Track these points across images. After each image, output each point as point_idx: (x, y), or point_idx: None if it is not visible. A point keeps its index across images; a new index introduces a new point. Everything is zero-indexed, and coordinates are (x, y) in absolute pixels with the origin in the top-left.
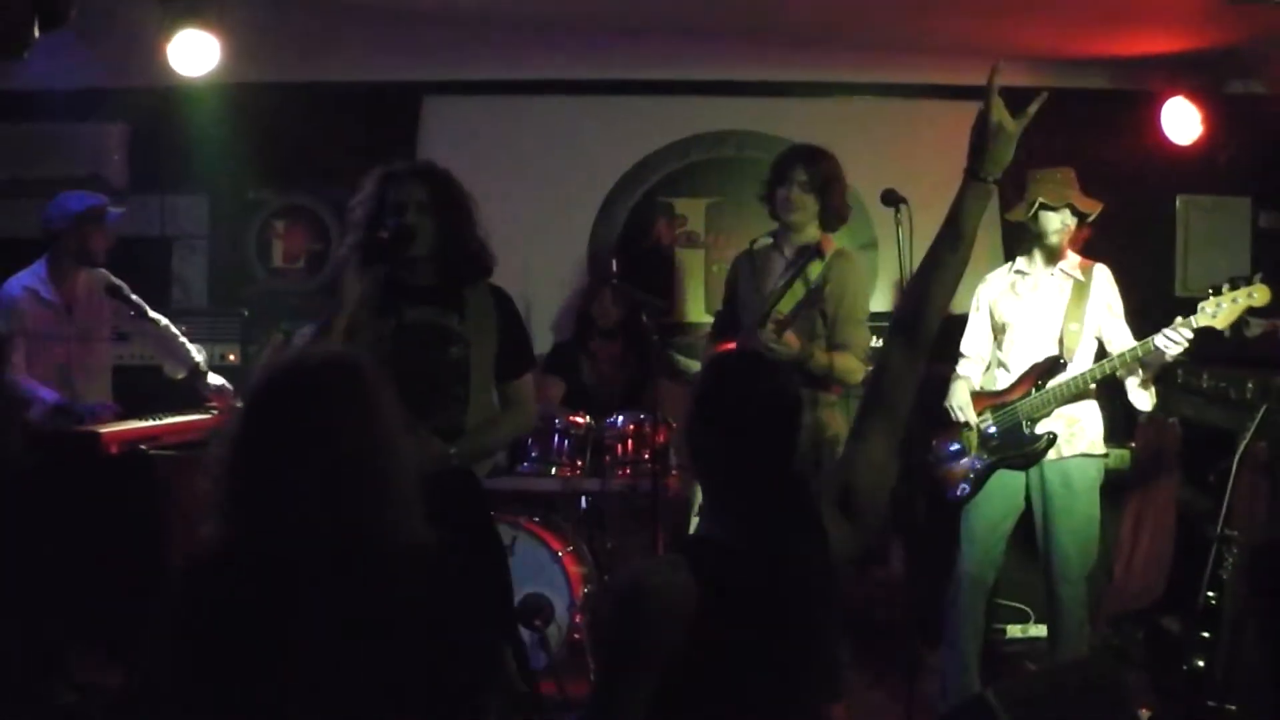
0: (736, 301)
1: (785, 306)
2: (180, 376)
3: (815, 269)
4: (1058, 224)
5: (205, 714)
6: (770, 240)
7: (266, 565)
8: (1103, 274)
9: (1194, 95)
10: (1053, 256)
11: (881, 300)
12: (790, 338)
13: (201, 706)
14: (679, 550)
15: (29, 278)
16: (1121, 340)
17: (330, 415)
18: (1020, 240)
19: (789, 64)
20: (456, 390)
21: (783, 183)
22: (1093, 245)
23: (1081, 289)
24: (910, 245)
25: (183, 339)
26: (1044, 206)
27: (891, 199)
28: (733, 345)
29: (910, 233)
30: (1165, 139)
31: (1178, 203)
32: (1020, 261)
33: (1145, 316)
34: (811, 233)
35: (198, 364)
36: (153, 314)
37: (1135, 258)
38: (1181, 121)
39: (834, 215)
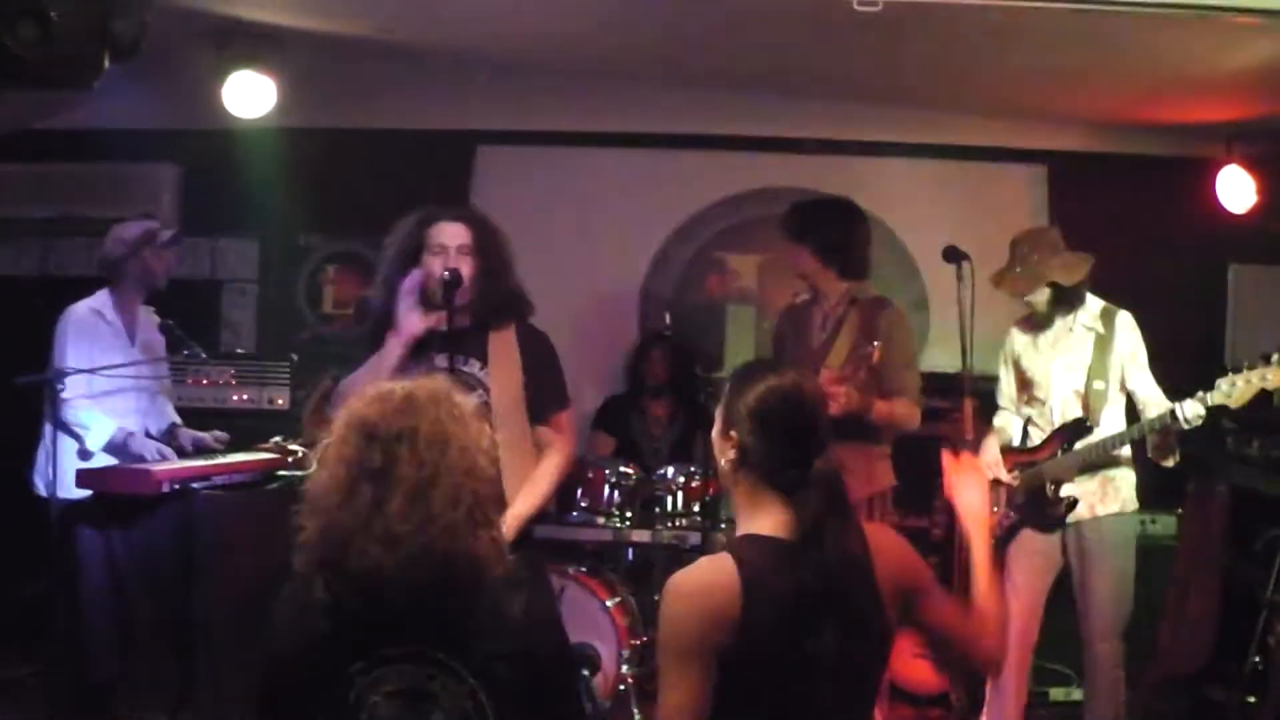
0: (782, 356)
1: (835, 361)
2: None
3: (856, 320)
4: (1041, 302)
5: None
6: (809, 295)
7: (361, 607)
8: (1125, 322)
9: (1249, 164)
10: (1048, 321)
11: (939, 358)
12: (849, 392)
13: None
14: (728, 549)
15: (93, 301)
16: (1146, 391)
17: (433, 449)
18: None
19: (845, 122)
20: None
21: (794, 246)
22: (1142, 311)
23: (1104, 342)
24: (972, 301)
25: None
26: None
27: (954, 255)
28: None
29: (973, 289)
30: (1219, 207)
31: (1230, 271)
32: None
33: (1191, 384)
34: (841, 286)
35: (175, 422)
36: (203, 355)
37: (1184, 325)
38: (1236, 190)
39: (854, 269)
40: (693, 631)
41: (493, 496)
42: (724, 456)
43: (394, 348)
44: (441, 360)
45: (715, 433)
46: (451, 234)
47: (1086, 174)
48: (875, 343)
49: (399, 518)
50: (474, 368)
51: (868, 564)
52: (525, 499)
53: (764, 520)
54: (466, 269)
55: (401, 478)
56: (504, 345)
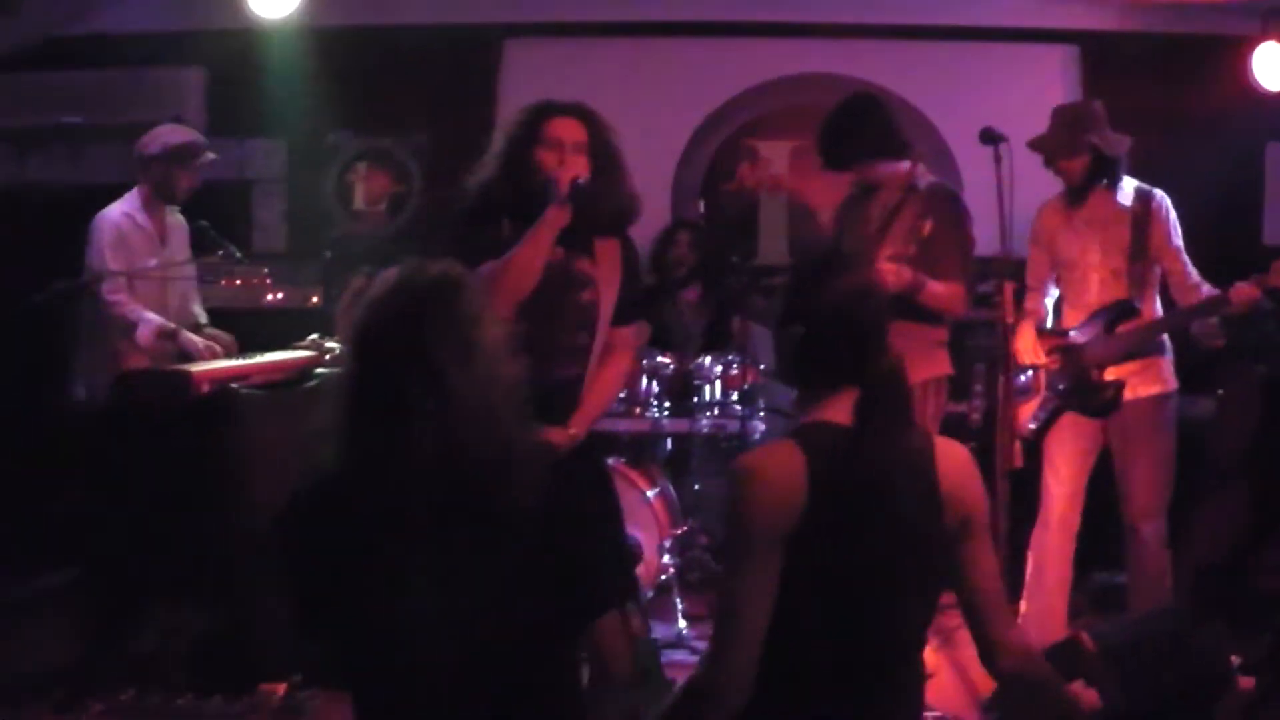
0: (842, 244)
1: (891, 248)
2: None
3: (914, 208)
4: (1058, 172)
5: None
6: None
7: (376, 506)
8: (1161, 201)
9: None
10: (1082, 195)
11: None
12: (900, 269)
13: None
14: (795, 434)
15: (124, 205)
16: (1183, 270)
17: (431, 345)
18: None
19: (873, 6)
20: (581, 337)
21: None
22: (1178, 192)
23: (1141, 221)
24: (1010, 184)
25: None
26: (1049, 158)
27: (991, 137)
28: None
29: (1011, 171)
30: (1256, 85)
31: (1267, 150)
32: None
33: (1230, 265)
34: (899, 170)
35: (200, 320)
36: (239, 256)
37: (1221, 205)
38: (1272, 67)
39: (890, 149)
40: (759, 515)
41: (515, 387)
42: (781, 350)
43: (554, 219)
44: (558, 254)
45: (774, 334)
46: (568, 129)
47: (1120, 54)
48: (928, 219)
49: (423, 449)
50: (585, 264)
51: (931, 469)
52: (596, 400)
53: (830, 408)
54: (581, 167)
55: (425, 412)
56: (608, 248)
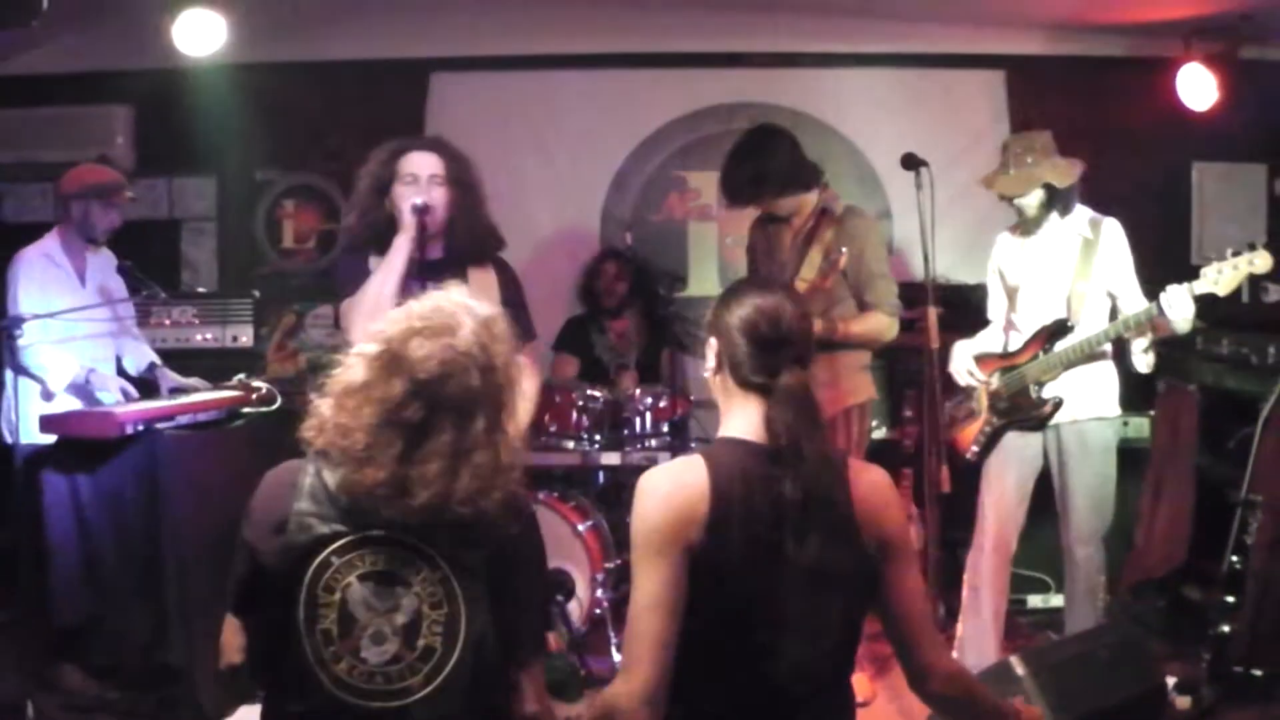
0: (756, 269)
1: (808, 274)
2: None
3: (827, 234)
4: (1033, 205)
5: None
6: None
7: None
8: (1112, 229)
9: (1210, 61)
10: (1036, 225)
11: (902, 269)
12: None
13: None
14: (702, 451)
15: (42, 245)
16: (1131, 298)
17: (484, 401)
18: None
19: (800, 35)
20: None
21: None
22: (1107, 211)
23: (1090, 246)
24: (932, 209)
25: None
26: (1003, 198)
27: (912, 163)
28: None
29: (931, 197)
30: (1181, 105)
31: (1193, 169)
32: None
33: (1159, 283)
34: (808, 200)
35: (154, 362)
36: (163, 296)
37: (1150, 224)
38: (1197, 88)
39: (798, 181)
40: (661, 527)
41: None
42: (707, 364)
43: (403, 245)
44: (429, 287)
45: (707, 344)
46: (423, 164)
47: (1045, 77)
48: (843, 249)
49: (425, 480)
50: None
51: (845, 490)
52: None
53: (739, 423)
54: (439, 199)
55: (440, 445)
56: (482, 275)
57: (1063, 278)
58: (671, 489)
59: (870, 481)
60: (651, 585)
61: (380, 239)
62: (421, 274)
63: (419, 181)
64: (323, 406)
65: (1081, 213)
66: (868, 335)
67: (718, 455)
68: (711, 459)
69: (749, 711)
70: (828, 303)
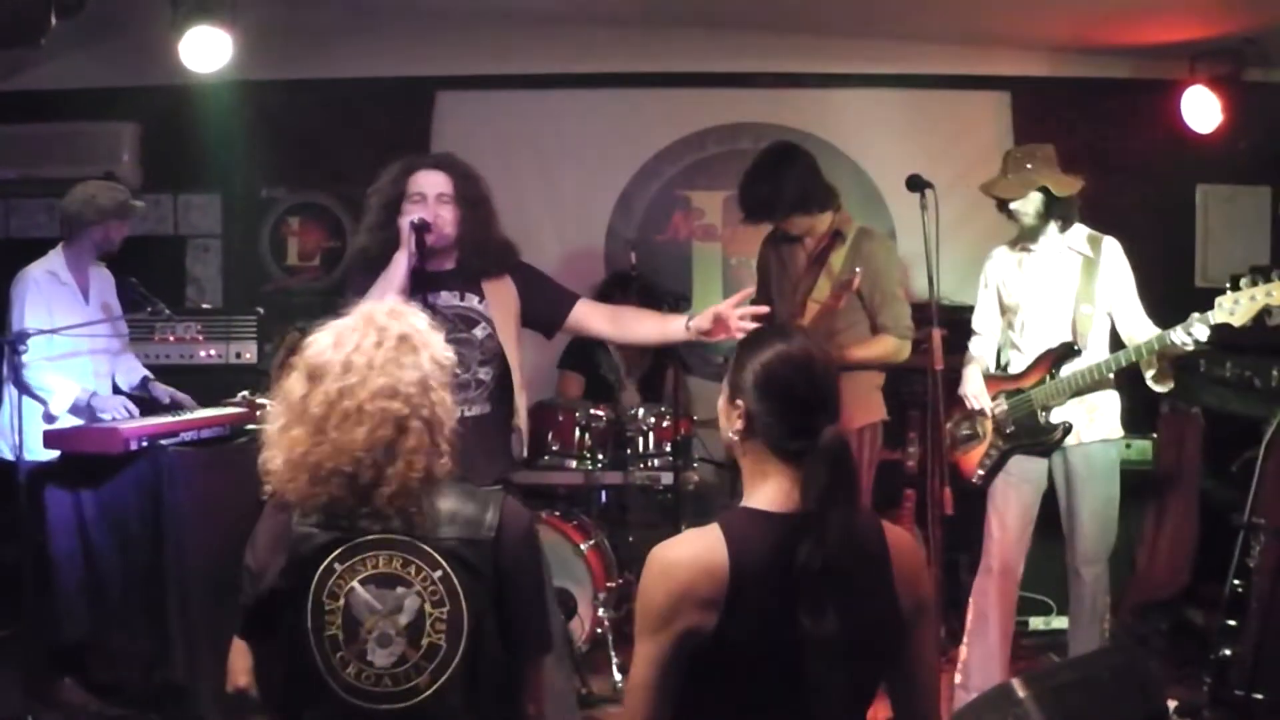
0: (770, 290)
1: (820, 294)
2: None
3: (839, 256)
4: (1030, 212)
5: None
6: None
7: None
8: (1112, 248)
9: (1214, 84)
10: (1034, 233)
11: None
12: None
13: None
14: (720, 522)
15: (47, 263)
16: (1133, 317)
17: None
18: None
19: (804, 55)
20: (484, 372)
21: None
22: (1111, 232)
23: (1091, 266)
24: (936, 230)
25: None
26: (1002, 203)
27: (917, 184)
28: None
29: (936, 218)
30: (1185, 128)
31: (1197, 192)
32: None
33: (1164, 306)
34: (823, 220)
35: (146, 376)
36: (168, 312)
37: (1154, 247)
38: (1202, 110)
39: (813, 201)
40: (667, 608)
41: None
42: (730, 427)
43: (400, 261)
44: (444, 296)
45: (721, 401)
46: (431, 182)
47: (1050, 99)
48: (856, 269)
49: (360, 464)
50: (472, 302)
51: (885, 554)
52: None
53: (766, 493)
54: (447, 217)
55: (364, 429)
56: (498, 287)
57: (1065, 298)
58: (684, 568)
59: (905, 544)
60: (649, 664)
61: (390, 257)
62: (432, 287)
63: (426, 200)
64: (271, 461)
65: (1080, 231)
66: (878, 359)
67: (739, 530)
68: (732, 534)
69: None
70: (840, 324)
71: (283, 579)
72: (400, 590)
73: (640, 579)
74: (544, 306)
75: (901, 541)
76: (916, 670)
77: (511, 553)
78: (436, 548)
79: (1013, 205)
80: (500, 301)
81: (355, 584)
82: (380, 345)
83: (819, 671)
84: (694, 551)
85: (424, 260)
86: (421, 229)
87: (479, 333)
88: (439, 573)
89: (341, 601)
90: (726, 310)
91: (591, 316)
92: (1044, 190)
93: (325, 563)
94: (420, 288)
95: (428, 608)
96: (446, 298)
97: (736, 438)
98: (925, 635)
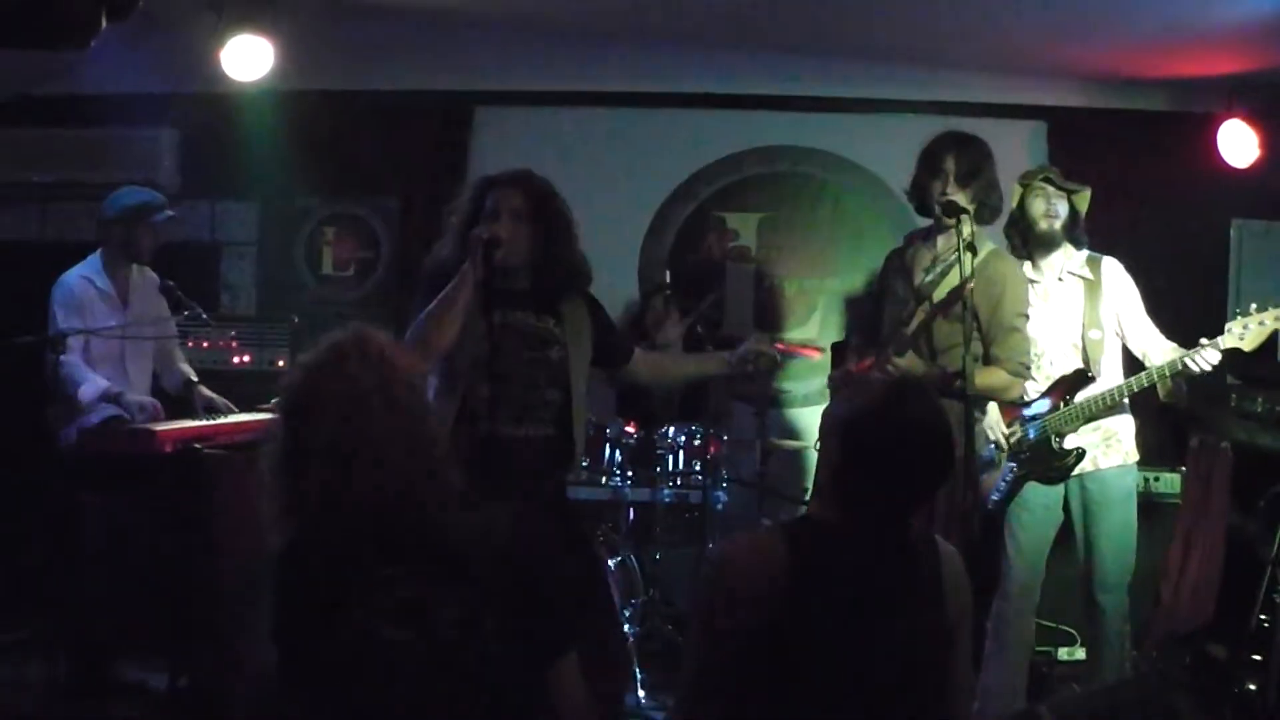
0: (885, 299)
1: (938, 298)
2: (175, 389)
3: (968, 263)
4: (1042, 207)
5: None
6: (924, 233)
7: (328, 558)
8: (1111, 267)
9: (1252, 119)
10: (1051, 246)
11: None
12: (910, 360)
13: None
14: (782, 527)
15: (84, 268)
16: (1143, 334)
17: (357, 396)
18: (1021, 242)
19: (845, 80)
20: (552, 393)
21: (935, 175)
22: (1144, 268)
23: (1093, 288)
24: (973, 257)
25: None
26: (1025, 188)
27: (953, 209)
28: (867, 365)
29: (974, 246)
30: (1221, 161)
31: (1232, 227)
32: (1027, 268)
33: (1195, 339)
34: (966, 229)
35: (190, 378)
36: (204, 317)
37: (1187, 280)
38: (1239, 144)
39: (988, 208)
40: (725, 607)
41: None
42: (823, 464)
43: (465, 274)
44: (513, 316)
45: (822, 442)
46: (506, 199)
47: (1087, 130)
48: (971, 279)
49: (352, 483)
50: (549, 323)
51: (936, 563)
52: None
53: (836, 506)
54: (521, 234)
55: (345, 451)
56: (575, 308)
57: (1072, 324)
58: (746, 567)
59: (952, 556)
60: (703, 661)
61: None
62: (515, 304)
63: (500, 216)
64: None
65: (1078, 256)
66: (983, 389)
67: (803, 535)
68: (795, 537)
69: None
70: (942, 342)
71: None
72: (427, 618)
73: (702, 577)
74: (610, 344)
75: (948, 552)
76: (955, 674)
77: (513, 568)
78: (453, 574)
79: (1030, 209)
80: (576, 326)
81: (379, 619)
82: None
83: (877, 678)
84: (752, 548)
85: (491, 275)
86: (490, 243)
87: (554, 354)
88: (458, 595)
89: (371, 640)
90: (760, 345)
91: (639, 366)
92: (1071, 204)
93: (346, 600)
94: (494, 304)
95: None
96: (521, 317)
97: (823, 477)
98: (960, 652)
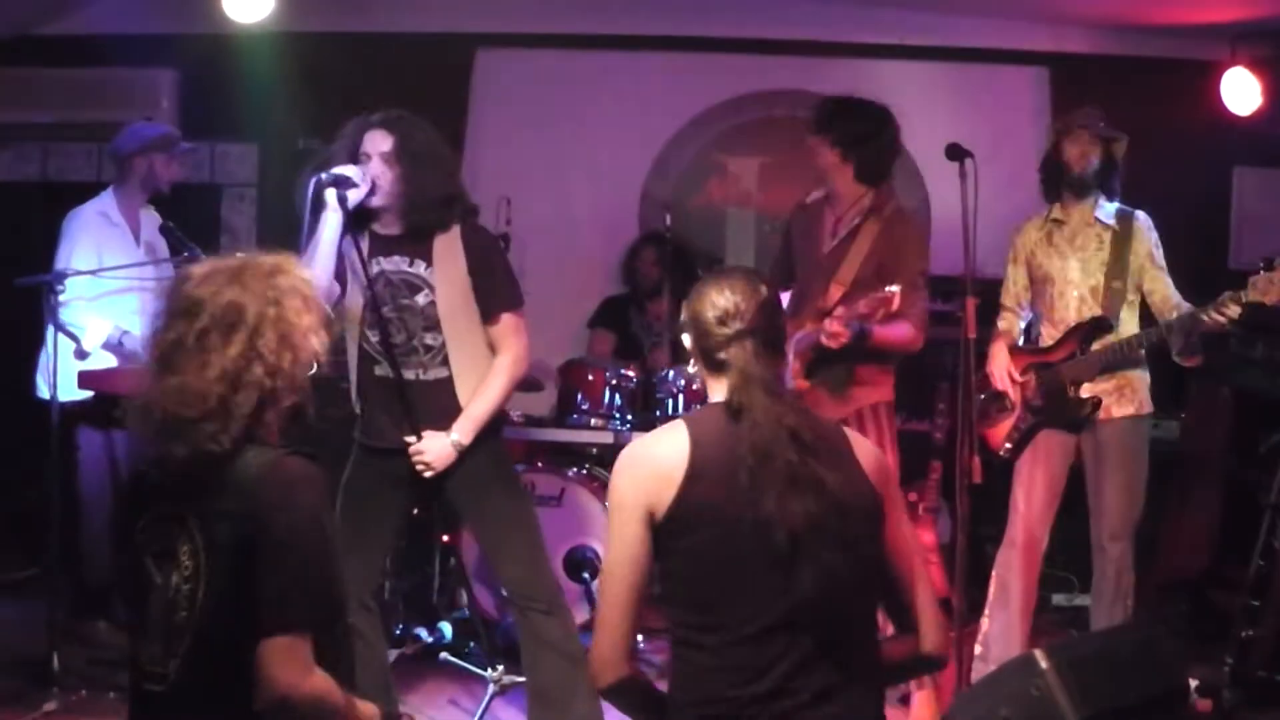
0: (790, 254)
1: (846, 275)
2: None
3: (870, 236)
4: (1078, 151)
5: None
6: (823, 195)
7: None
8: (1142, 222)
9: (1255, 66)
10: (1083, 191)
11: (940, 261)
12: (837, 328)
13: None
14: (685, 416)
15: (98, 203)
16: (1165, 292)
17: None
18: (1053, 185)
19: (847, 23)
20: (428, 339)
21: (816, 138)
22: (1147, 211)
23: (1121, 241)
24: (976, 200)
25: None
26: (1059, 134)
27: (957, 153)
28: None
29: (976, 189)
30: (1224, 109)
31: (1234, 174)
32: (1055, 209)
33: (1196, 287)
34: (858, 190)
35: None
36: (204, 257)
37: (1189, 228)
38: (1241, 92)
39: (872, 171)
40: (633, 489)
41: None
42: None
43: (326, 219)
44: (387, 263)
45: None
46: (375, 142)
47: (1089, 76)
48: (892, 289)
49: (163, 391)
50: (419, 268)
51: (843, 442)
52: (478, 402)
53: (717, 391)
54: (389, 175)
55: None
56: (448, 246)
57: (1094, 272)
58: (649, 453)
59: (859, 438)
60: (621, 545)
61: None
62: (388, 249)
63: (370, 160)
64: None
65: (1108, 207)
66: (898, 344)
67: (700, 419)
68: (693, 423)
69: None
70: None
71: None
72: (170, 568)
73: (614, 469)
74: (479, 289)
75: (859, 438)
76: (894, 559)
77: (263, 522)
78: (199, 523)
79: (1065, 153)
80: (446, 267)
81: (149, 559)
82: None
83: (794, 547)
84: (661, 439)
85: (351, 219)
86: (336, 184)
87: (420, 300)
88: (193, 547)
89: (145, 577)
90: None
91: (492, 331)
92: (1107, 149)
93: (133, 534)
94: (374, 251)
95: (180, 583)
96: (397, 262)
97: (694, 365)
98: (898, 519)
